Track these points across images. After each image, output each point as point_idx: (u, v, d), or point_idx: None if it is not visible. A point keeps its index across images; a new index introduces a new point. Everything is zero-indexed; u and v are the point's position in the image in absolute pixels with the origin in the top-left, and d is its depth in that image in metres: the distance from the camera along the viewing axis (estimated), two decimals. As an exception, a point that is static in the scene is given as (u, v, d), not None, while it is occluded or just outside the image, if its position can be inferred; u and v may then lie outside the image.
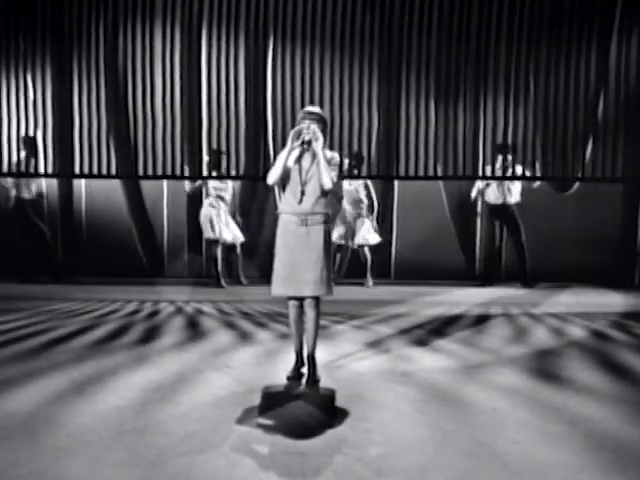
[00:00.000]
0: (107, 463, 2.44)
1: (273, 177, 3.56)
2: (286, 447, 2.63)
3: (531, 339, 4.85)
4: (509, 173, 7.24)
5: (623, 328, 5.28)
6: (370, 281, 7.97)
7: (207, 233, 7.77)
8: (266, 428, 2.85)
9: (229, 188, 7.81)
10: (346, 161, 7.32)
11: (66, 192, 8.51)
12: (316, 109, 3.64)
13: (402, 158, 7.23)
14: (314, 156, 3.53)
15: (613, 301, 6.87)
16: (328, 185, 3.48)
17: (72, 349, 4.35)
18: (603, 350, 4.49)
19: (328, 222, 3.58)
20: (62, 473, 2.35)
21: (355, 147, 7.30)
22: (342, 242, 7.98)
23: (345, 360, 4.11)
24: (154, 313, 5.83)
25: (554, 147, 7.18)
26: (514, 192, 7.58)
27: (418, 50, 7.31)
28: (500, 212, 7.67)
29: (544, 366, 4.00)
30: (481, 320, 5.60)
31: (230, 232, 7.76)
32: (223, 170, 7.45)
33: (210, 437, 2.73)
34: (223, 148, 7.39)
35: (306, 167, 3.53)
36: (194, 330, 5.06)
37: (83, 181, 8.25)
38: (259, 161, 7.49)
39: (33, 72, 7.48)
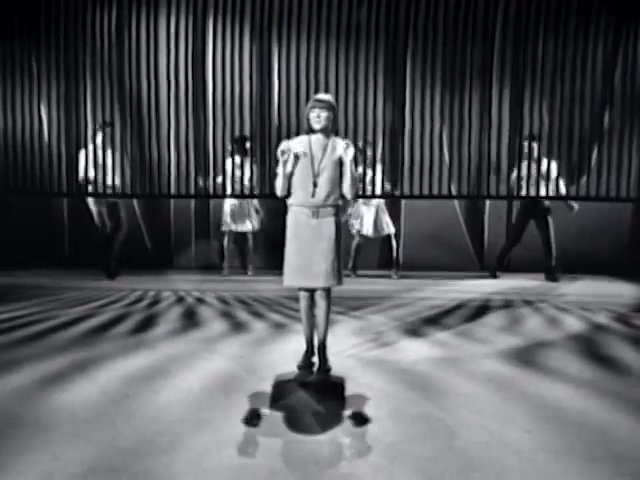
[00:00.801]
0: (120, 449, 2.45)
1: (280, 189, 3.59)
2: (298, 435, 2.64)
3: (538, 331, 4.84)
4: (543, 165, 7.16)
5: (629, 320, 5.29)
6: (396, 272, 7.83)
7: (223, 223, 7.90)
8: (278, 416, 2.86)
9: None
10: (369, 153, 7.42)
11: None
12: (326, 97, 3.61)
13: (407, 162, 7.24)
14: (325, 147, 3.52)
15: (625, 291, 6.86)
16: (350, 196, 3.59)
17: (80, 335, 4.38)
18: (608, 342, 4.48)
19: (339, 213, 3.59)
20: (75, 459, 2.36)
21: (361, 139, 7.32)
22: (368, 233, 7.77)
23: (356, 350, 4.11)
24: (163, 301, 5.85)
25: (560, 148, 7.20)
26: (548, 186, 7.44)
27: (424, 43, 7.29)
28: (531, 206, 7.58)
29: (550, 358, 4.00)
30: (487, 311, 5.59)
31: (244, 222, 7.77)
32: (247, 156, 7.47)
33: (222, 424, 2.74)
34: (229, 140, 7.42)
35: (318, 158, 3.52)
36: (198, 319, 5.08)
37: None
38: (265, 157, 7.51)
39: (39, 70, 7.52)
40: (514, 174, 7.33)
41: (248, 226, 7.85)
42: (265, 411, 2.93)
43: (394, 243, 7.81)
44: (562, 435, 2.65)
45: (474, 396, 3.19)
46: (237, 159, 7.48)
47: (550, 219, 7.54)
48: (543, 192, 7.31)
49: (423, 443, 2.56)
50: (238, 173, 7.45)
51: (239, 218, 7.81)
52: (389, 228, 7.74)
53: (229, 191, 7.51)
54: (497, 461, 2.39)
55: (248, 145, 7.43)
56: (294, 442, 2.56)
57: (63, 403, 3.00)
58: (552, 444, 2.55)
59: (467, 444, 2.55)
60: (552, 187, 7.28)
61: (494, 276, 7.77)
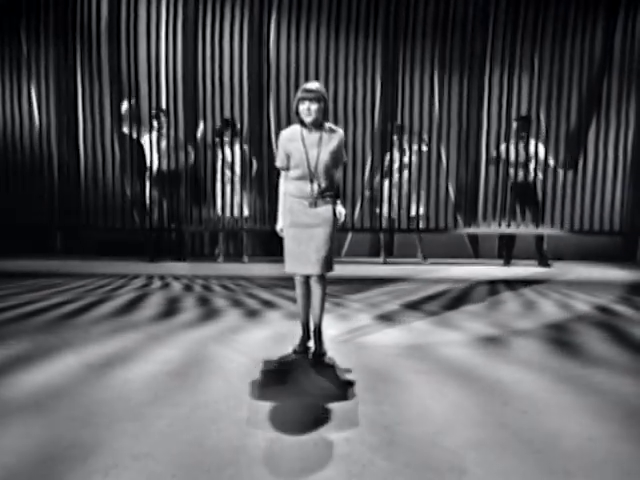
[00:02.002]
0: (121, 433, 2.45)
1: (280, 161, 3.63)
2: (296, 418, 2.66)
3: (538, 313, 4.88)
4: (532, 148, 7.39)
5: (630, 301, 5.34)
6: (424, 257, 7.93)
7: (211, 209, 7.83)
8: (275, 400, 2.87)
9: (238, 160, 7.58)
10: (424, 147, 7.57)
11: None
12: (315, 85, 3.44)
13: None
14: (320, 140, 3.48)
15: (620, 276, 6.95)
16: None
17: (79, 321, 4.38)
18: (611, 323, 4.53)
19: (336, 200, 3.58)
20: (78, 444, 2.36)
21: (354, 122, 7.36)
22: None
23: (351, 334, 4.12)
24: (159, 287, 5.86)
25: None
26: (537, 168, 7.48)
27: (416, 22, 7.36)
28: (520, 190, 7.57)
29: (551, 338, 4.03)
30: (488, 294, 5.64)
31: (235, 207, 7.67)
32: (226, 139, 7.47)
33: (220, 408, 2.74)
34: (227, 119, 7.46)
35: (314, 154, 3.47)
36: (196, 307, 5.09)
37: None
38: (262, 137, 7.51)
39: (37, 67, 7.49)
40: (502, 147, 7.42)
41: (232, 211, 7.67)
42: (261, 395, 2.95)
43: (420, 221, 7.82)
44: (561, 415, 2.68)
45: (471, 379, 3.21)
46: (226, 146, 7.47)
47: (539, 200, 7.57)
48: (531, 178, 7.47)
49: (420, 425, 2.57)
50: (228, 159, 7.45)
51: (231, 203, 7.71)
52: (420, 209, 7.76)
53: (219, 176, 7.51)
54: (497, 442, 2.41)
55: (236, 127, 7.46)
56: (291, 424, 2.58)
57: (65, 390, 3.00)
58: (551, 425, 2.58)
59: (463, 425, 2.57)
60: (540, 168, 7.42)
61: (507, 264, 7.78)
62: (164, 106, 7.43)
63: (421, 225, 7.79)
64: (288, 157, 3.52)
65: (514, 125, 7.38)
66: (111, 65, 7.44)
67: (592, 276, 6.92)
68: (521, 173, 7.44)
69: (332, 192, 3.55)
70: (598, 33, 7.23)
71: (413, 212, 7.73)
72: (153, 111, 7.37)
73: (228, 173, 7.51)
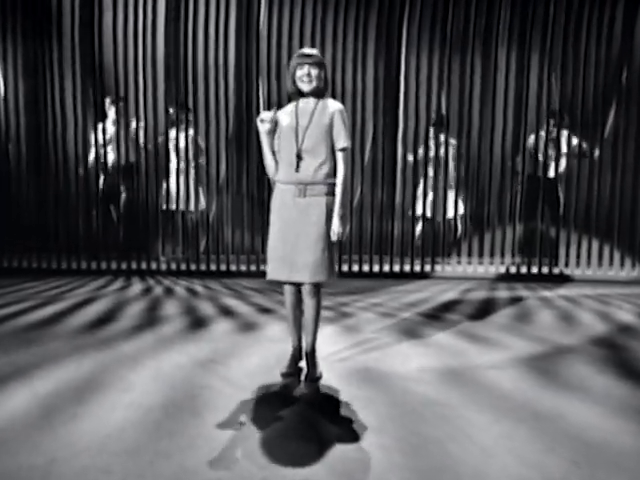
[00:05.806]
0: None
1: (271, 169, 3.05)
2: (283, 469, 2.04)
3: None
4: (564, 142, 6.74)
5: None
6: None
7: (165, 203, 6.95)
8: (258, 441, 2.26)
9: (203, 153, 6.84)
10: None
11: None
12: (314, 51, 2.98)
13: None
14: (313, 111, 2.93)
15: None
16: (341, 177, 2.96)
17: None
18: None
19: (333, 193, 2.96)
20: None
21: (350, 103, 6.76)
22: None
23: (351, 351, 3.52)
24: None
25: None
26: (560, 163, 6.84)
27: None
28: (540, 185, 6.86)
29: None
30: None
31: (189, 200, 6.77)
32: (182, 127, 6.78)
33: (186, 459, 2.13)
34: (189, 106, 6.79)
35: (304, 124, 2.92)
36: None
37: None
38: (249, 119, 6.88)
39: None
40: (531, 139, 6.78)
41: (193, 205, 6.80)
42: (241, 433, 2.33)
43: (459, 222, 7.01)
44: (625, 468, 2.09)
45: (501, 410, 2.61)
46: (173, 132, 6.84)
47: (560, 196, 6.90)
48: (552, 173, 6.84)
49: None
50: (182, 144, 6.77)
51: (182, 196, 6.80)
52: (452, 209, 6.91)
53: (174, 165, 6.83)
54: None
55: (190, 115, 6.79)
56: (276, 474, 1.98)
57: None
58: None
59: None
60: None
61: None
62: (143, 94, 6.80)
63: (460, 230, 7.00)
64: (279, 135, 2.99)
65: (547, 122, 6.71)
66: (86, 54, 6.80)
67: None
68: (549, 168, 6.82)
69: (327, 180, 2.93)
70: (619, 15, 6.62)
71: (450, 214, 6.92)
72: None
73: (176, 162, 6.79)
